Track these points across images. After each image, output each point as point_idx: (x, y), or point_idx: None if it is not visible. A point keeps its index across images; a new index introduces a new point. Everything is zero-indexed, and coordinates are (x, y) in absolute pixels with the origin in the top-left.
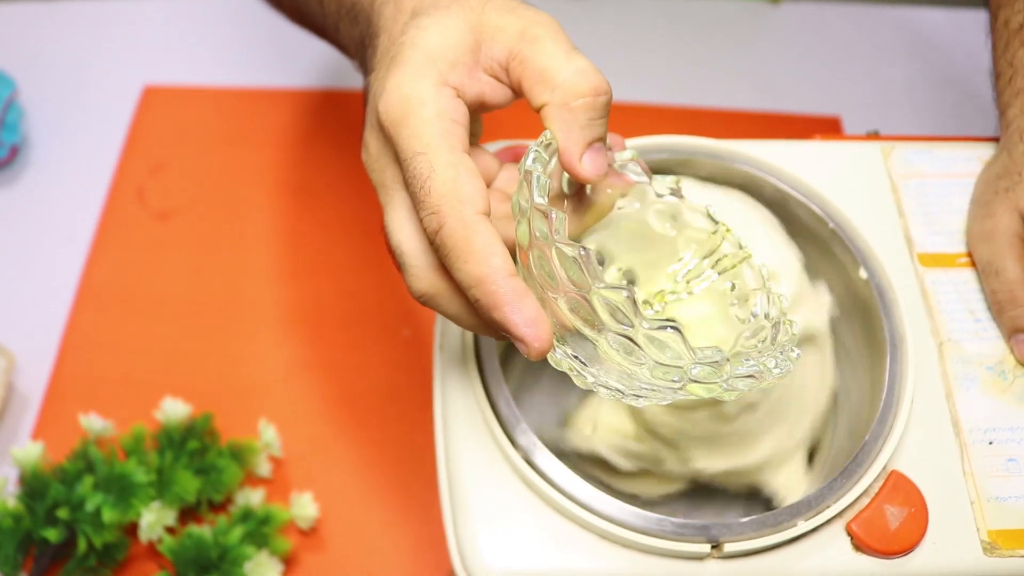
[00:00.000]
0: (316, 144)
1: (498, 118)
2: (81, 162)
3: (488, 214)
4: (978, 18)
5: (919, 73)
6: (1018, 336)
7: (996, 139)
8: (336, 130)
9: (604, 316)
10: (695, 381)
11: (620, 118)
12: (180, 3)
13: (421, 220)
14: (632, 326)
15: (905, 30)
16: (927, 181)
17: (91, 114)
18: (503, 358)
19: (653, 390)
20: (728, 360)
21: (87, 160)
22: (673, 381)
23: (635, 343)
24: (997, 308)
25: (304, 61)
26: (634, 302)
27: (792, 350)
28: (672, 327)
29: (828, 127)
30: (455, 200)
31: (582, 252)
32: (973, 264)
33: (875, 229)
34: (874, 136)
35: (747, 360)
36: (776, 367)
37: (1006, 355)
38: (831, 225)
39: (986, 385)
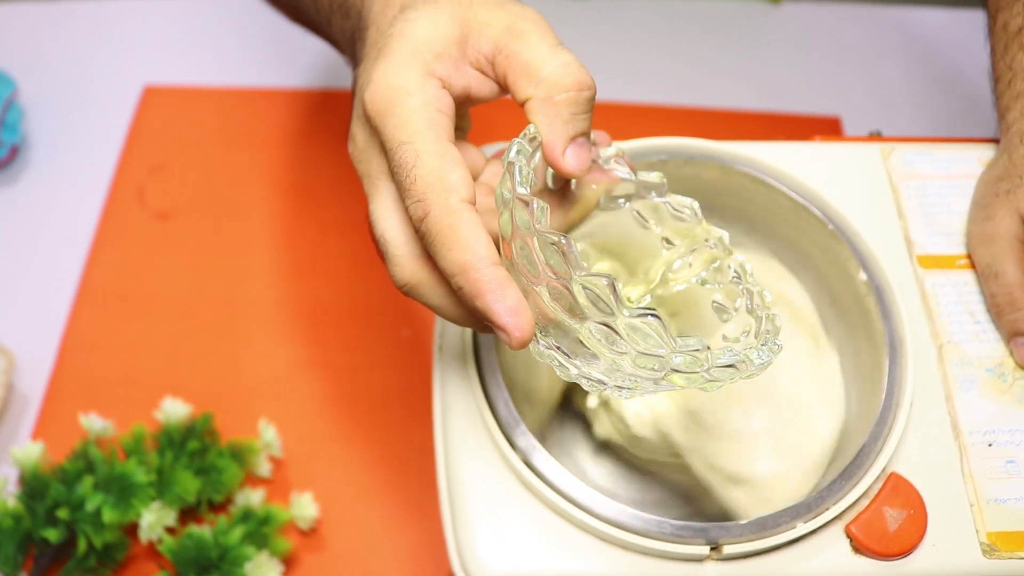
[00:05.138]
0: (316, 144)
1: (489, 120)
2: (81, 162)
3: (473, 203)
4: (978, 18)
5: (919, 73)
6: (1017, 339)
7: (996, 140)
8: (336, 130)
9: (585, 305)
10: (676, 371)
11: (620, 118)
12: (180, 3)
13: (407, 208)
14: (613, 314)
15: (905, 30)
16: (927, 182)
17: (91, 114)
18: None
19: (636, 381)
20: (709, 348)
21: (87, 160)
22: (654, 371)
23: (616, 332)
24: (996, 311)
25: (304, 61)
26: (615, 289)
27: (775, 342)
28: (652, 315)
29: (828, 127)
30: (441, 188)
31: (562, 240)
32: (973, 266)
33: (875, 231)
34: (874, 137)
35: (728, 349)
36: (758, 357)
37: (1006, 357)
38: (831, 227)
39: (986, 387)
